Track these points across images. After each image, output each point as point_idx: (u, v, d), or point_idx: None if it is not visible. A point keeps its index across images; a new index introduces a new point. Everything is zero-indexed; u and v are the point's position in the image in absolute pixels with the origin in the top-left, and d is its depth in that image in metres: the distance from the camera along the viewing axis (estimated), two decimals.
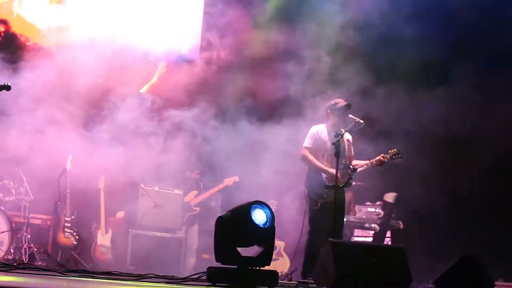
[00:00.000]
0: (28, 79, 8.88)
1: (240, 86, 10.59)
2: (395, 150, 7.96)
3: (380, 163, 7.89)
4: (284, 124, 9.64)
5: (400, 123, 10.01)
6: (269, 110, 10.42)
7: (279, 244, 10.12)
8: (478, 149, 10.36)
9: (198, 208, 10.20)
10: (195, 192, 10.25)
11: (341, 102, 7.96)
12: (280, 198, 9.95)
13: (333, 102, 8.01)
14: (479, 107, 10.26)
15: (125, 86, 10.00)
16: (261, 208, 5.34)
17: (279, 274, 6.00)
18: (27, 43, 9.83)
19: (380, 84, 10.09)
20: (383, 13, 10.13)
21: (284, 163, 9.28)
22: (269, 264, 5.40)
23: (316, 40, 10.22)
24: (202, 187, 10.32)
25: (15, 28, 9.80)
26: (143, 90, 10.56)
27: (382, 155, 7.91)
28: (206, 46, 10.81)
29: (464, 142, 10.45)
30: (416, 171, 10.09)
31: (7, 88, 6.51)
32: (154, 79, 10.70)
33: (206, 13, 11.10)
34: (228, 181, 10.25)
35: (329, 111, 8.01)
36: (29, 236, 8.40)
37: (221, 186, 10.30)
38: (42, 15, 10.01)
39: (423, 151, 10.03)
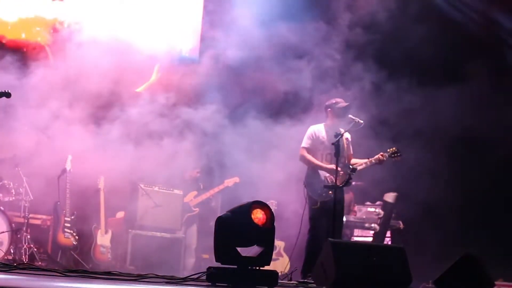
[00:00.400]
0: (28, 79, 8.89)
1: (245, 85, 10.56)
2: (394, 148, 7.94)
3: (379, 161, 7.87)
4: (288, 123, 9.60)
5: (408, 121, 10.00)
6: (275, 109, 10.34)
7: (279, 244, 10.11)
8: (482, 149, 10.37)
9: (197, 209, 10.18)
10: (195, 192, 10.24)
11: (342, 102, 7.95)
12: (280, 198, 9.94)
13: (333, 101, 8.00)
14: (488, 105, 10.23)
15: (127, 86, 10.01)
16: (260, 208, 5.34)
17: (279, 274, 6.00)
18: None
19: (391, 82, 10.06)
20: (394, 11, 10.11)
21: (285, 162, 9.24)
22: (268, 264, 5.40)
23: (325, 38, 10.16)
24: (202, 187, 10.31)
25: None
26: (140, 89, 10.54)
27: (381, 153, 7.89)
28: (211, 44, 10.73)
29: (468, 142, 10.45)
30: (417, 170, 10.09)
31: (7, 95, 6.56)
32: (152, 79, 10.67)
33: (210, 11, 11.02)
34: (229, 182, 10.24)
35: (329, 109, 8.00)
36: (29, 236, 8.40)
37: (221, 187, 10.29)
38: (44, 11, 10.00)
39: (424, 151, 10.02)
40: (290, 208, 9.18)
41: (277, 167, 9.48)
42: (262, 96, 10.44)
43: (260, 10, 10.29)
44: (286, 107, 10.32)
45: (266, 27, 10.18)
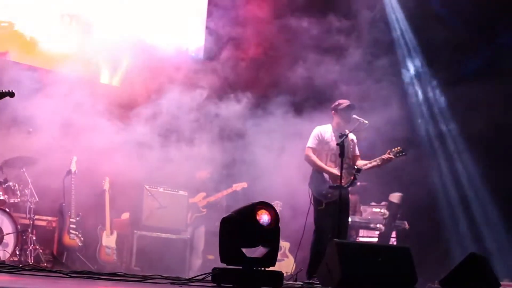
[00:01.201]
0: (35, 79, 8.92)
1: (258, 82, 10.50)
2: (398, 148, 7.89)
3: (385, 161, 7.81)
4: (297, 120, 9.55)
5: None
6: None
7: (284, 244, 10.10)
8: (487, 148, 10.35)
9: (205, 210, 10.18)
10: (204, 193, 10.23)
11: (345, 103, 7.95)
12: (285, 199, 9.92)
13: (337, 103, 8.00)
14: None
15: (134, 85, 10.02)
16: (265, 209, 5.33)
17: (284, 274, 5.99)
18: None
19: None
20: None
21: (293, 162, 9.19)
22: (274, 265, 5.40)
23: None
24: (209, 187, 10.28)
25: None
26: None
27: (388, 151, 7.85)
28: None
29: (473, 140, 10.44)
30: (422, 170, 10.07)
31: (11, 95, 6.58)
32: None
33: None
34: (237, 186, 10.24)
35: (333, 112, 8.00)
36: (34, 238, 8.41)
37: (230, 190, 10.28)
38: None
39: (427, 149, 10.01)
40: (296, 209, 9.15)
41: (284, 167, 9.45)
42: (277, 93, 10.34)
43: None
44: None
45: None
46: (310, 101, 10.01)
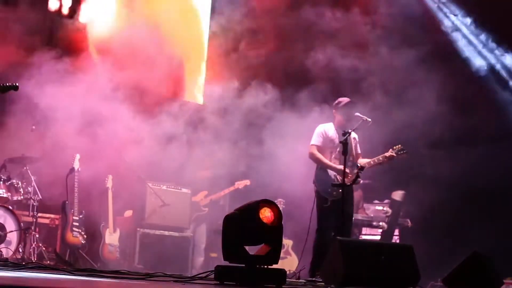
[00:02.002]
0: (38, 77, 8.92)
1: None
2: (399, 146, 7.87)
3: (388, 158, 7.80)
4: (303, 116, 9.55)
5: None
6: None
7: (287, 242, 10.11)
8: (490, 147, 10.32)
9: (207, 209, 10.19)
10: (206, 192, 10.23)
11: (344, 100, 7.94)
12: (288, 196, 9.91)
13: (337, 101, 8.00)
14: None
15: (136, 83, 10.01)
16: (268, 207, 5.33)
17: (287, 272, 5.99)
18: None
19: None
20: None
21: (295, 159, 9.17)
22: (277, 263, 5.40)
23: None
24: (211, 185, 10.28)
25: None
26: None
27: (390, 149, 7.83)
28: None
29: (476, 139, 10.41)
30: (425, 168, 10.05)
31: (15, 88, 6.55)
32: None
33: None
34: (239, 184, 10.24)
35: (334, 110, 7.99)
36: (37, 236, 8.43)
37: (232, 188, 10.29)
38: None
39: (433, 148, 9.99)
40: (299, 206, 9.14)
41: (288, 164, 9.43)
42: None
43: None
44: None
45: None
46: (321, 96, 9.98)
